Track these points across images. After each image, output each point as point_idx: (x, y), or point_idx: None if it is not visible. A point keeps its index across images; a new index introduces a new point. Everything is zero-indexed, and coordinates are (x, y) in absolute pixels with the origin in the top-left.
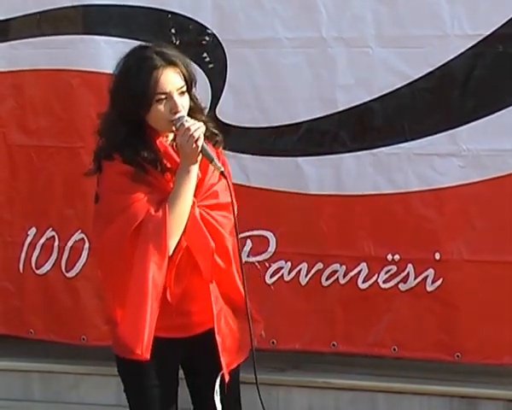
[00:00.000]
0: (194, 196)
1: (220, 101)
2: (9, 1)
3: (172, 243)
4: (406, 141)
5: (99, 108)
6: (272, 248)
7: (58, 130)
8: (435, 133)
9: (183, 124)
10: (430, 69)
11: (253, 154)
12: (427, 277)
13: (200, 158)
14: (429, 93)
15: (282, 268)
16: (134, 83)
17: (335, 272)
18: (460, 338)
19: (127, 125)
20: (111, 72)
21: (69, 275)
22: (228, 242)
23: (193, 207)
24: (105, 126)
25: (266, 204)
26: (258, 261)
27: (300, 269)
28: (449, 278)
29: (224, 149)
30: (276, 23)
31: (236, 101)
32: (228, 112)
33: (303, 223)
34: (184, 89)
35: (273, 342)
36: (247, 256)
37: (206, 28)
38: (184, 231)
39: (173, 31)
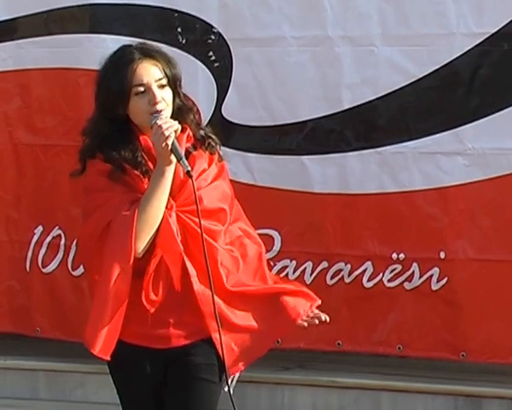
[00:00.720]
0: (174, 199)
1: (226, 99)
2: (16, 0)
3: (140, 245)
4: (411, 140)
5: None
6: (277, 247)
7: (65, 129)
8: (440, 132)
9: (156, 122)
10: (435, 68)
11: (258, 152)
12: (432, 276)
13: (174, 159)
14: (434, 92)
15: (286, 267)
16: (112, 78)
17: (340, 270)
18: (465, 337)
19: (109, 123)
20: None
21: (75, 273)
22: (216, 250)
23: (170, 209)
24: (89, 126)
25: (271, 203)
26: None
27: (305, 268)
28: (454, 277)
29: (230, 147)
30: (282, 22)
31: (242, 99)
32: (233, 110)
33: (308, 222)
34: (164, 82)
35: (278, 341)
36: None
37: (212, 27)
38: (158, 235)
39: (179, 29)
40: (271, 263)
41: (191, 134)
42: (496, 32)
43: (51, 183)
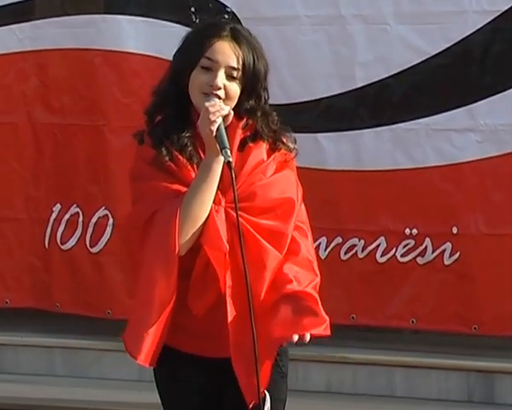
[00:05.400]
0: (225, 194)
1: None
2: None
3: (182, 243)
4: (424, 116)
5: (121, 86)
6: None
7: (81, 108)
8: (453, 109)
9: (204, 104)
10: (448, 45)
11: None
12: (444, 250)
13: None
14: (447, 69)
15: None
16: (192, 39)
17: (354, 246)
18: (477, 311)
19: (174, 86)
20: (132, 51)
21: (93, 250)
22: (266, 254)
23: (218, 205)
24: (159, 82)
25: None
26: None
27: (320, 243)
28: (466, 252)
29: None
30: (296, 1)
31: None
32: None
33: (322, 198)
34: (235, 74)
35: None
36: None
37: (226, 6)
38: (203, 232)
39: (193, 9)
40: None
41: (252, 124)
42: (508, 10)
43: (69, 161)
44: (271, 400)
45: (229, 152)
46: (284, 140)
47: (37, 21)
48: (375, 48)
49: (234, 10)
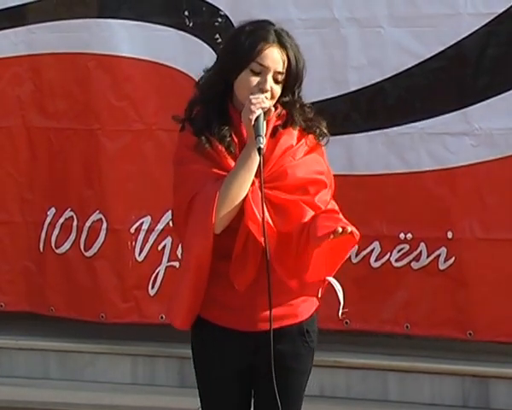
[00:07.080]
0: (258, 176)
1: None
2: None
3: (218, 219)
4: (418, 120)
5: (115, 90)
6: None
7: (76, 112)
8: (447, 112)
9: (249, 96)
10: (442, 48)
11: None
12: (439, 255)
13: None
14: (441, 72)
15: None
16: (242, 41)
17: None
18: (472, 316)
19: (221, 83)
20: (126, 55)
21: (88, 254)
22: (305, 214)
23: (253, 185)
24: (204, 76)
25: None
26: None
27: None
28: (461, 257)
29: None
30: (289, 4)
31: None
32: None
33: None
34: (281, 78)
35: None
36: None
37: (219, 10)
38: (243, 213)
39: (186, 13)
40: None
41: (284, 113)
42: (503, 13)
43: (63, 165)
44: (296, 372)
45: (261, 140)
46: (317, 126)
47: (32, 26)
48: (368, 51)
49: (227, 14)
